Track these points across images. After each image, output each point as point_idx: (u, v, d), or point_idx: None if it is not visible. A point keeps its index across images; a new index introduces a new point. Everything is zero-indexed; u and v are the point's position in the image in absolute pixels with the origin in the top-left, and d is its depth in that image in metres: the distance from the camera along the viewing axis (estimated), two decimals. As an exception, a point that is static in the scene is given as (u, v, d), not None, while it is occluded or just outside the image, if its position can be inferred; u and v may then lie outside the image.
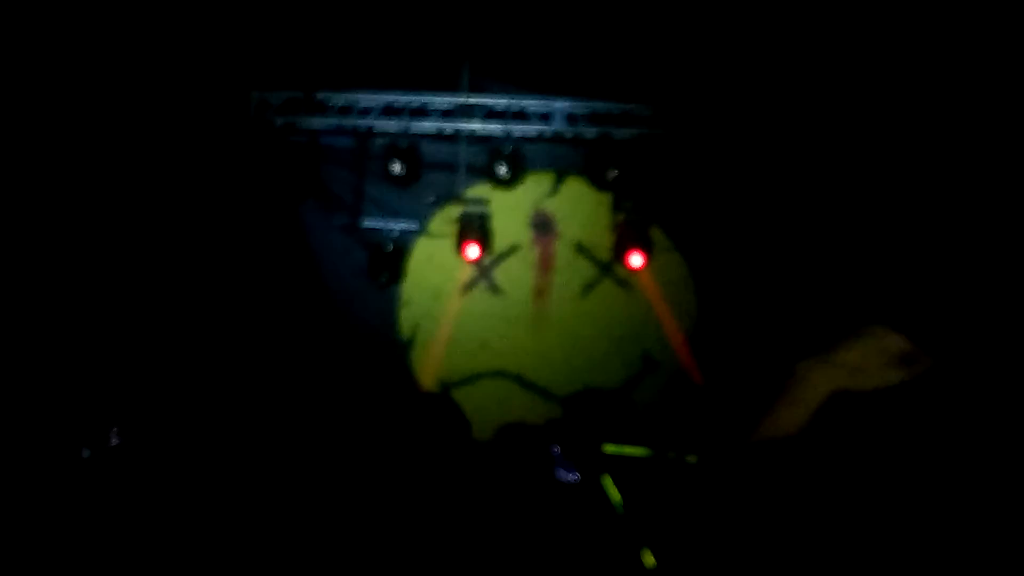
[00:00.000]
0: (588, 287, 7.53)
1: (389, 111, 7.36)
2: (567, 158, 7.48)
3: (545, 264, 7.57)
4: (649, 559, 3.64)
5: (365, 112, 7.37)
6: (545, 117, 7.29)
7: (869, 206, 6.78)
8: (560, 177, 7.57)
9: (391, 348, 7.62)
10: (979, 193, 6.42)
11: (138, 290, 7.25)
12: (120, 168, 7.13)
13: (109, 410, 6.11)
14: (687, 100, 7.08)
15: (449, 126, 7.35)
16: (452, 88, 7.30)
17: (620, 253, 7.32)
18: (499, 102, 7.30)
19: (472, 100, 7.30)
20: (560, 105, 7.25)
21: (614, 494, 4.28)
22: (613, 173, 7.23)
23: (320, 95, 7.37)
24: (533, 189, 7.56)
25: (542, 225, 7.57)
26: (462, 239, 7.33)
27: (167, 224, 7.30)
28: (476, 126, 7.33)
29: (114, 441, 5.76)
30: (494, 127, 7.31)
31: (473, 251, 7.25)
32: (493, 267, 7.58)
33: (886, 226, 6.75)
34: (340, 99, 7.38)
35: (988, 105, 6.27)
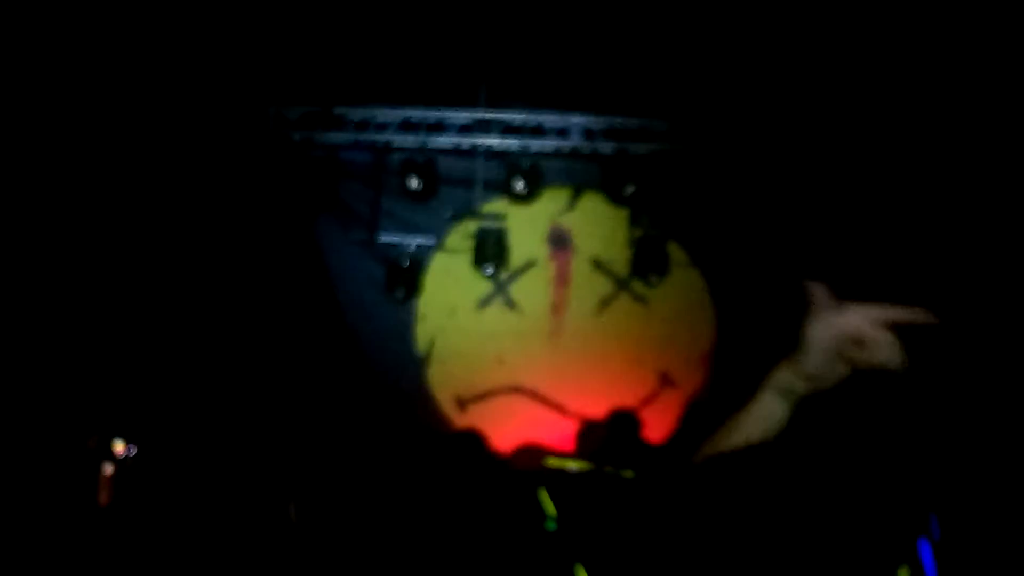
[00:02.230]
0: (605, 303, 7.48)
1: (407, 126, 7.37)
2: (584, 173, 7.46)
3: (562, 279, 7.53)
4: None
5: (383, 127, 7.39)
6: (562, 132, 7.28)
7: (889, 218, 6.70)
8: (577, 192, 7.54)
9: (407, 363, 7.60)
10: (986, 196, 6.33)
11: (155, 304, 7.30)
12: (138, 184, 7.18)
13: (118, 423, 6.14)
14: (704, 115, 7.05)
15: (466, 141, 7.35)
16: (470, 103, 7.30)
17: (637, 269, 7.28)
18: (516, 117, 7.29)
19: (489, 115, 7.30)
20: (577, 120, 7.24)
21: (549, 508, 4.23)
22: (630, 188, 7.20)
23: (338, 110, 7.38)
24: (550, 204, 7.53)
25: (559, 240, 7.54)
26: (478, 255, 7.33)
27: (184, 239, 7.34)
28: (493, 141, 7.32)
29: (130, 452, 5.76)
30: (511, 142, 7.30)
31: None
32: (510, 282, 7.56)
33: (907, 238, 6.66)
34: (358, 114, 7.40)
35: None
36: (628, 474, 4.76)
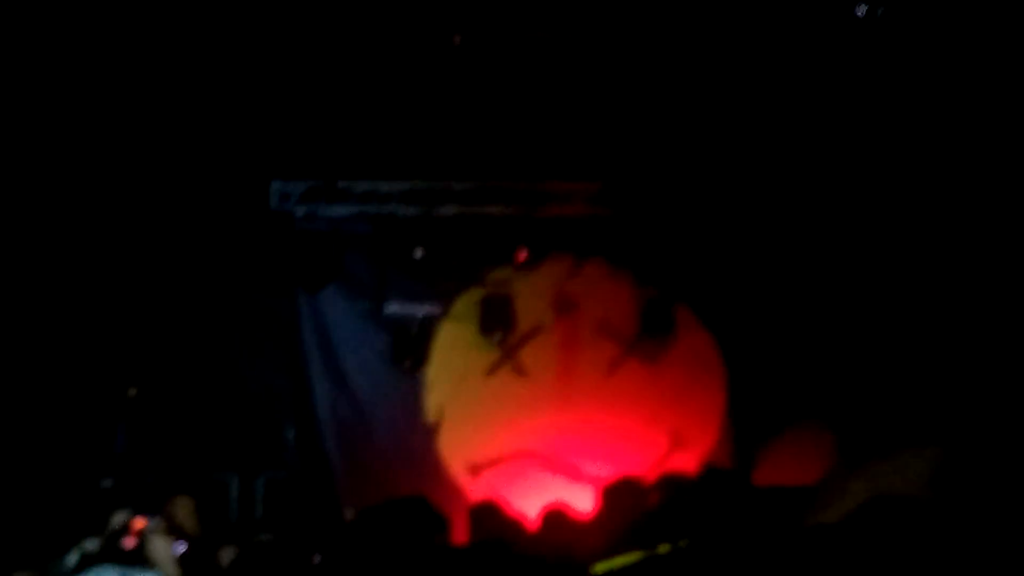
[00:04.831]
0: (613, 366, 7.50)
1: (409, 197, 7.41)
2: (588, 238, 7.50)
3: (569, 344, 7.55)
4: None
5: (386, 198, 7.42)
6: (565, 198, 7.33)
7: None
8: (581, 257, 7.58)
9: (418, 432, 7.60)
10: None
11: (161, 381, 7.33)
12: (142, 261, 7.20)
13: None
14: (704, 179, 7.11)
15: (469, 210, 7.39)
16: (472, 173, 7.35)
17: (645, 331, 7.32)
18: (519, 186, 7.33)
19: (491, 184, 7.34)
20: (580, 187, 7.28)
21: None
22: (633, 252, 7.28)
23: (341, 183, 7.42)
24: (555, 270, 7.57)
25: (565, 305, 7.57)
26: (485, 322, 7.35)
27: (187, 311, 7.36)
28: (496, 209, 7.36)
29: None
30: (514, 210, 7.34)
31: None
32: (518, 348, 7.57)
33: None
34: (360, 186, 7.43)
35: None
36: (683, 543, 4.50)
